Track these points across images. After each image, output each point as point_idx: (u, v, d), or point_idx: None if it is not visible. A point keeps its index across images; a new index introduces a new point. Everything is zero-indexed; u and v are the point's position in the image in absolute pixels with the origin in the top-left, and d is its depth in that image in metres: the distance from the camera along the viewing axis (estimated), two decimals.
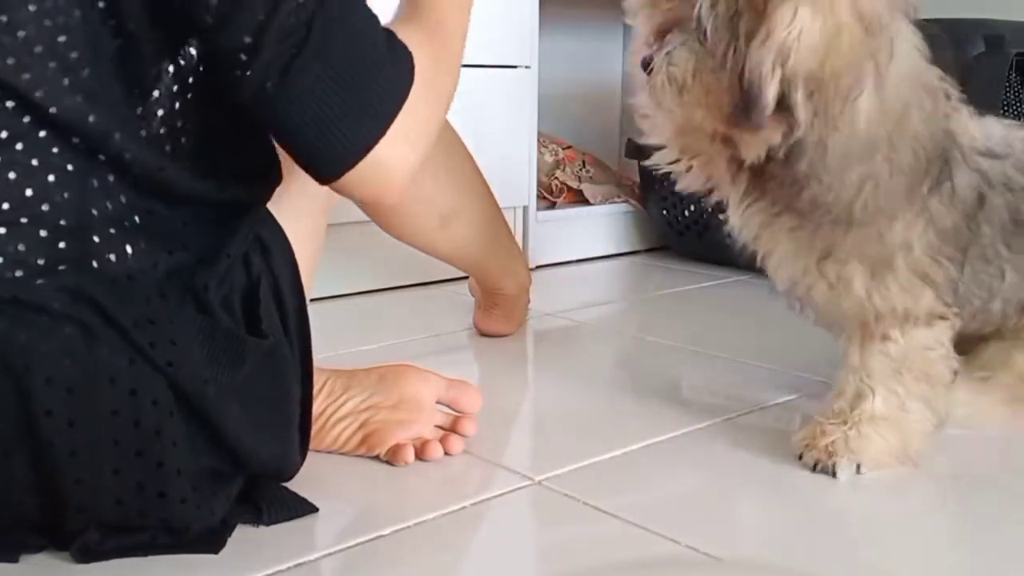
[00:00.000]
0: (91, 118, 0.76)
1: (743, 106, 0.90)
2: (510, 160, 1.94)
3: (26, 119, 0.75)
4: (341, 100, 0.77)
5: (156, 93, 0.80)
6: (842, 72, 0.89)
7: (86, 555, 0.80)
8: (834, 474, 1.01)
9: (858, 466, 1.02)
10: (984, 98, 1.71)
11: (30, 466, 0.76)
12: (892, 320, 1.01)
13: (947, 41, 1.76)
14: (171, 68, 0.80)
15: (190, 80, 0.81)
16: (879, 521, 0.93)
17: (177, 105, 0.82)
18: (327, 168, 0.81)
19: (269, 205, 0.90)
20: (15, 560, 0.81)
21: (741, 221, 1.04)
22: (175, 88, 0.81)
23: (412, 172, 0.84)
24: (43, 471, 0.76)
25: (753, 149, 0.95)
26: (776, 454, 1.08)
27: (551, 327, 1.63)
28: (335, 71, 0.77)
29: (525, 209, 2.02)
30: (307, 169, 0.82)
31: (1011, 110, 1.82)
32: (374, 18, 0.82)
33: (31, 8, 0.74)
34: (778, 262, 1.04)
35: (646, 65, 0.97)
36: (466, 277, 1.59)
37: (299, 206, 0.94)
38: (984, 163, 1.03)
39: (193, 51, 0.80)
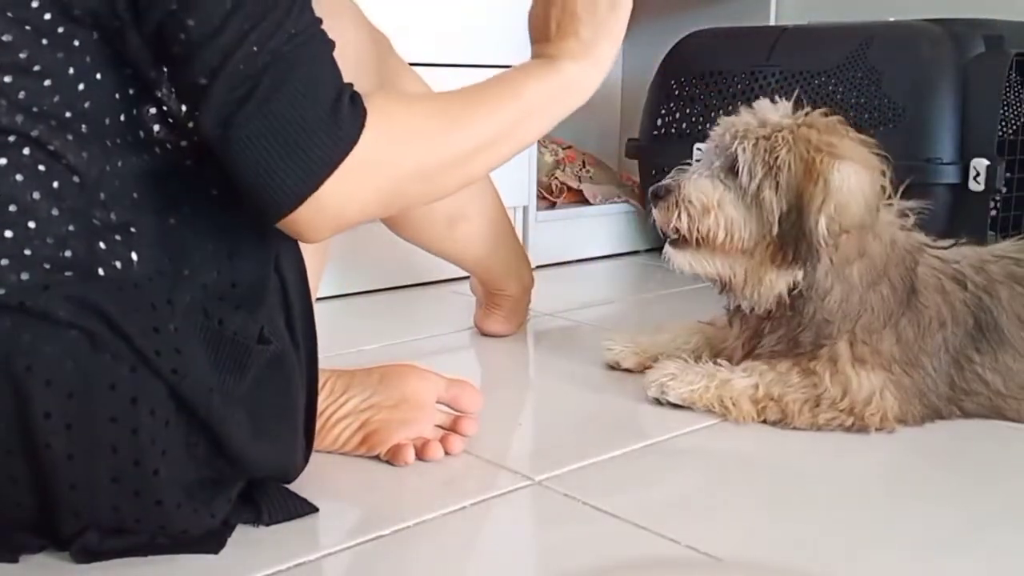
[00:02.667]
0: (96, 127, 0.77)
1: (795, 251, 1.11)
2: (510, 160, 1.94)
3: (38, 127, 0.76)
4: (276, 155, 0.77)
5: (153, 107, 0.81)
6: (864, 226, 1.11)
7: (86, 555, 0.80)
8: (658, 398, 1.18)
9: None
10: (984, 98, 1.71)
11: (27, 468, 0.76)
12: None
13: (947, 41, 1.76)
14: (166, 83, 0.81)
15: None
16: (880, 521, 0.93)
17: (172, 120, 0.82)
18: (266, 212, 0.80)
19: None
20: (15, 560, 0.81)
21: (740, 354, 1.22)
22: (171, 100, 0.82)
23: (344, 223, 0.83)
24: (39, 473, 0.76)
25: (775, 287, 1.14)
26: (776, 454, 1.08)
27: (551, 327, 1.63)
28: (274, 127, 0.76)
29: (525, 209, 2.02)
30: (252, 206, 0.81)
31: (1011, 110, 1.82)
32: (325, 79, 0.80)
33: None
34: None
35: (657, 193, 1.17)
36: (466, 277, 1.59)
37: None
38: (943, 267, 1.18)
39: None
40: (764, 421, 1.14)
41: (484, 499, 0.96)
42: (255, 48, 0.75)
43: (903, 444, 1.11)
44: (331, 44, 0.81)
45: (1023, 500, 0.99)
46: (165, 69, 0.80)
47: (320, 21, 0.81)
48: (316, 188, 0.78)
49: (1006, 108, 1.80)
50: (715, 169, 1.16)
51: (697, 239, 1.16)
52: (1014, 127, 1.81)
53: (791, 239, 1.11)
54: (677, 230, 1.16)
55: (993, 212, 1.76)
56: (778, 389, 1.14)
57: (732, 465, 1.06)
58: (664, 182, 1.18)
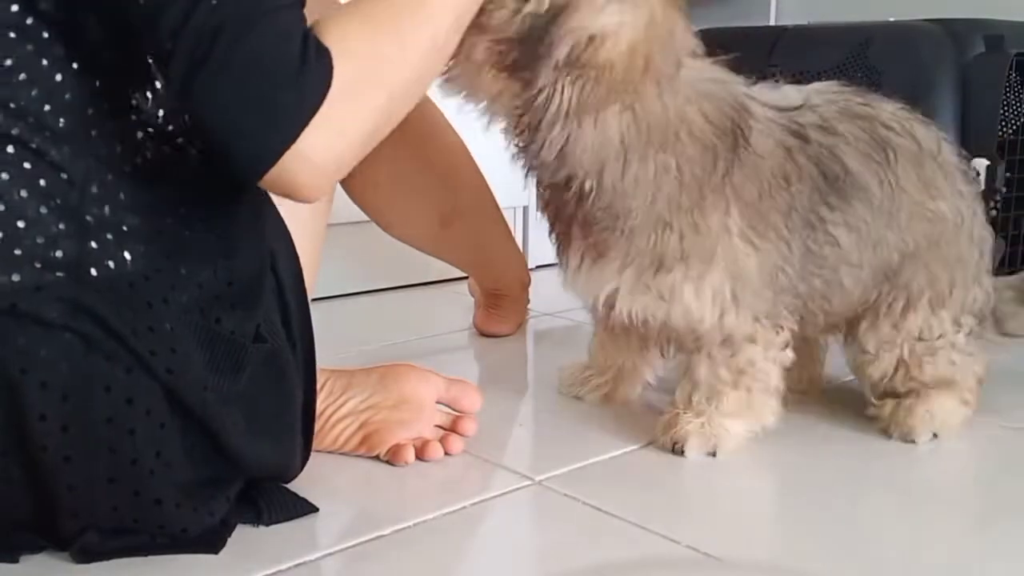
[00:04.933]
0: (78, 120, 0.76)
1: (530, 57, 0.91)
2: (510, 160, 1.94)
3: (18, 124, 0.75)
4: (247, 111, 0.74)
5: (140, 102, 0.80)
6: (631, 69, 0.92)
7: (86, 555, 0.80)
8: (683, 453, 1.06)
9: (714, 452, 1.06)
10: (984, 98, 1.71)
11: (24, 470, 0.76)
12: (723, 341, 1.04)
13: (947, 41, 1.76)
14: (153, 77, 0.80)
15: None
16: (880, 521, 0.93)
17: (161, 113, 0.82)
18: (242, 172, 0.77)
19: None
20: (15, 560, 0.81)
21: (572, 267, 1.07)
22: (158, 95, 0.81)
23: (334, 172, 0.80)
24: (37, 475, 0.76)
25: (505, 99, 0.96)
26: (776, 454, 1.08)
27: (551, 327, 1.63)
28: (241, 82, 0.74)
29: (525, 209, 2.02)
30: (231, 169, 0.78)
31: (1011, 110, 1.82)
32: (287, 28, 0.77)
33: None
34: (588, 277, 1.04)
35: None
36: (466, 277, 1.59)
37: (300, 207, 0.94)
38: (779, 118, 1.03)
39: None
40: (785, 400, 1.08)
41: (484, 499, 0.96)
42: (214, 2, 0.72)
43: (904, 444, 1.10)
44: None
45: None
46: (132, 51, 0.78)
47: None
48: (292, 141, 0.75)
49: (1006, 108, 1.79)
50: None
51: None
52: (1014, 127, 1.81)
53: (528, 42, 0.91)
54: None
55: (993, 212, 1.76)
56: (704, 389, 1.06)
57: (732, 465, 1.06)
58: None
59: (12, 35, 0.74)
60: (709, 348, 1.05)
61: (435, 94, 1.29)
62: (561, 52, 0.90)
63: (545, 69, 0.91)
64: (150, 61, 0.80)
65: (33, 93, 0.75)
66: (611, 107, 0.94)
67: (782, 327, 1.06)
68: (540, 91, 0.92)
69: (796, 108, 1.06)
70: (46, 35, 0.76)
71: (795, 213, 1.01)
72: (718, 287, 1.01)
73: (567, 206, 1.02)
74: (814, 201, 1.03)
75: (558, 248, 1.09)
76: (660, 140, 0.96)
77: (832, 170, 1.03)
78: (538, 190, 1.08)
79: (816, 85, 1.11)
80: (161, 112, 0.81)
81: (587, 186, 0.98)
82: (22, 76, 0.75)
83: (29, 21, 0.75)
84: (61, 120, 0.76)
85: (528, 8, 0.91)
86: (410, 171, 1.33)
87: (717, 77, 1.03)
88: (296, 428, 0.89)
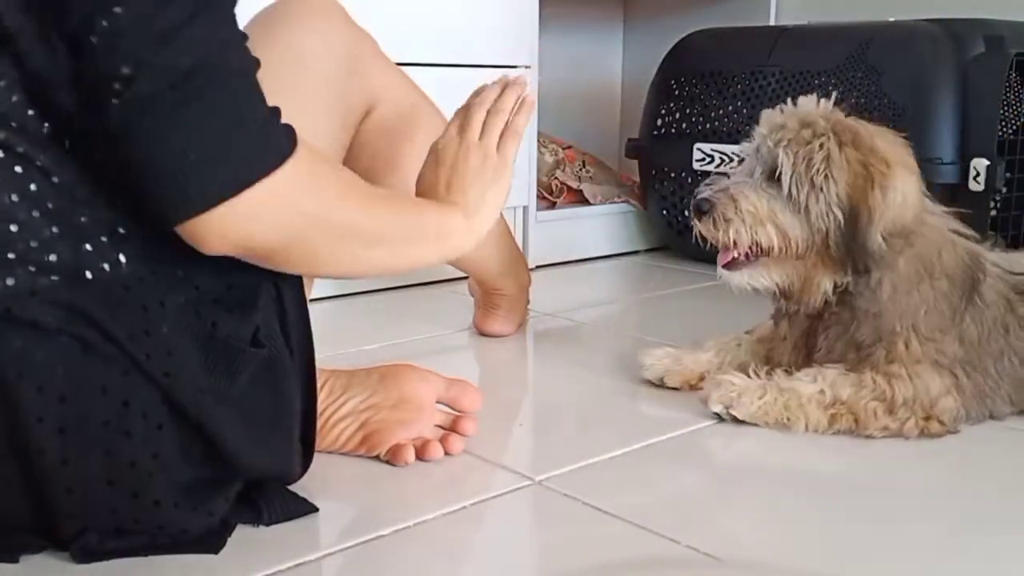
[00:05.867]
0: (72, 129, 0.76)
1: (852, 260, 1.09)
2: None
3: (3, 130, 0.74)
4: (207, 149, 0.73)
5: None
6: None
7: (86, 556, 0.80)
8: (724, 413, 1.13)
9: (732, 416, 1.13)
10: (984, 98, 1.71)
11: (22, 473, 0.75)
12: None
13: (947, 41, 1.76)
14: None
15: None
16: (881, 521, 0.93)
17: None
18: (176, 208, 0.74)
19: None
20: (15, 560, 0.81)
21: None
22: None
23: (240, 241, 0.78)
24: (35, 478, 0.76)
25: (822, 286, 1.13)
26: (776, 454, 1.08)
27: (551, 327, 1.63)
28: (204, 124, 0.73)
29: (525, 209, 2.02)
30: (148, 204, 0.75)
31: (1011, 110, 1.82)
32: (259, 91, 0.77)
33: None
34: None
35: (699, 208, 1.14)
36: (466, 277, 1.59)
37: None
38: (1006, 276, 1.17)
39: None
40: (836, 431, 1.11)
41: (484, 499, 0.96)
42: (191, 41, 0.72)
43: (905, 444, 1.10)
44: (257, 63, 0.78)
45: None
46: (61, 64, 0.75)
47: (246, 37, 0.78)
48: (239, 192, 0.74)
49: (1006, 108, 1.80)
50: (758, 177, 1.12)
51: (747, 253, 1.13)
52: (1014, 127, 1.81)
53: (846, 249, 1.09)
54: (727, 245, 1.13)
55: (993, 212, 1.76)
56: (847, 392, 1.10)
57: (732, 465, 1.06)
58: (706, 194, 1.14)
59: None
60: None
61: (434, 93, 1.29)
62: (877, 244, 1.09)
63: (868, 257, 1.10)
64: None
65: (14, 99, 0.74)
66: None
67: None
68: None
69: (1021, 274, 1.19)
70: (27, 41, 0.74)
71: (1006, 359, 1.14)
72: None
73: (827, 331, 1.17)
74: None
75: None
76: (923, 271, 1.12)
77: None
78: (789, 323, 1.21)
79: None
80: None
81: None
82: (3, 83, 0.74)
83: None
84: (45, 125, 0.75)
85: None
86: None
87: (958, 228, 1.17)
88: (294, 433, 0.89)
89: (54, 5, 0.72)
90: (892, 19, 1.91)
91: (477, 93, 1.08)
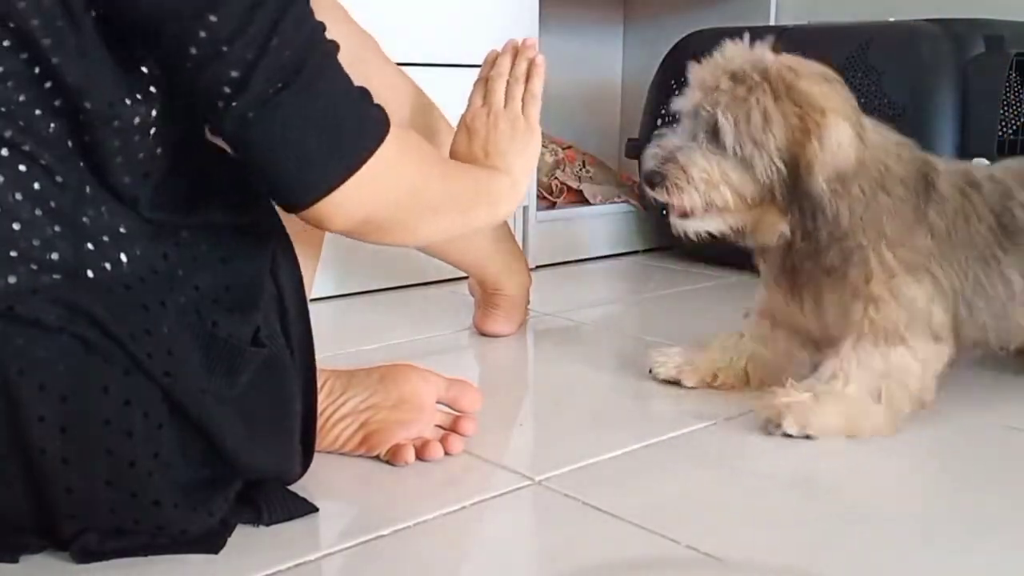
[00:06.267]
0: (76, 129, 0.76)
1: (804, 217, 1.10)
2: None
3: (10, 127, 0.74)
4: (319, 136, 0.79)
5: (134, 105, 0.79)
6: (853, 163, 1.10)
7: (86, 556, 0.80)
8: (779, 427, 1.11)
9: (807, 434, 1.11)
10: (984, 98, 1.71)
11: (22, 472, 0.75)
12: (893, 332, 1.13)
13: (947, 41, 1.76)
14: (146, 91, 0.80)
15: (159, 107, 0.81)
16: (881, 521, 0.93)
17: (155, 115, 0.81)
18: (295, 196, 0.81)
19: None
20: (15, 560, 0.81)
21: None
22: (152, 98, 0.80)
23: (356, 218, 0.85)
24: (35, 477, 0.76)
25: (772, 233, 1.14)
26: (776, 454, 1.08)
27: (551, 327, 1.63)
28: (317, 111, 0.78)
29: (525, 209, 2.02)
30: (274, 194, 0.83)
31: (1011, 110, 1.82)
32: (347, 75, 0.83)
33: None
34: (815, 310, 1.19)
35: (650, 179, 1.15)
36: (466, 277, 1.59)
37: None
38: (955, 171, 1.20)
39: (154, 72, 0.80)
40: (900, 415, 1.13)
41: (484, 499, 0.96)
42: (288, 36, 0.76)
43: (904, 444, 1.11)
44: (337, 46, 0.83)
45: None
46: (157, 72, 0.79)
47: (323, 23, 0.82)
48: (358, 167, 0.81)
49: (1006, 108, 1.79)
50: (702, 140, 1.12)
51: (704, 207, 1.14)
52: (1014, 127, 1.81)
53: (791, 197, 1.10)
54: (682, 210, 1.14)
55: None
56: (868, 375, 1.11)
57: (732, 465, 1.06)
58: (653, 166, 1.14)
59: (6, 44, 0.73)
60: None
61: (434, 93, 1.29)
62: (821, 190, 1.09)
63: (813, 202, 1.10)
64: (144, 70, 0.79)
65: (21, 98, 0.74)
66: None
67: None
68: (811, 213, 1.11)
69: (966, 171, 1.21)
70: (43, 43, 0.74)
71: (974, 248, 1.15)
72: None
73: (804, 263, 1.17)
74: (989, 241, 1.16)
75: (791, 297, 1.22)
76: (878, 186, 1.12)
77: (1006, 218, 1.17)
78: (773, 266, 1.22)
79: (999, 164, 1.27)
80: (154, 115, 0.80)
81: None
82: (10, 83, 0.74)
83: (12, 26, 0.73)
84: (51, 125, 0.76)
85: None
86: None
87: (900, 140, 1.18)
88: (294, 434, 0.89)
89: (139, 24, 0.75)
90: (892, 19, 1.91)
91: (489, 61, 1.16)
